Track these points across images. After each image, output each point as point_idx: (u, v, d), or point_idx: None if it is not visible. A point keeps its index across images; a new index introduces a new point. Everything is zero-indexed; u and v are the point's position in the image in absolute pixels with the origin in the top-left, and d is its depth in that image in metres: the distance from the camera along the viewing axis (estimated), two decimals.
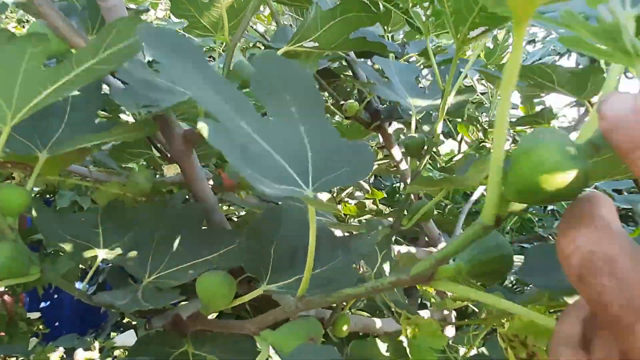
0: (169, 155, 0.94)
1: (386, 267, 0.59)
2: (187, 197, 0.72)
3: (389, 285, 0.35)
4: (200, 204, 0.58)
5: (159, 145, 0.95)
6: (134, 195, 0.72)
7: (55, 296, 2.28)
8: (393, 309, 0.53)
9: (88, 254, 0.55)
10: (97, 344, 1.37)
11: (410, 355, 0.47)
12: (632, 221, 1.55)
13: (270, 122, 0.39)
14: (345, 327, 0.77)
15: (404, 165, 1.24)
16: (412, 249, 0.94)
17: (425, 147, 0.72)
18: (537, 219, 1.72)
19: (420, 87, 0.85)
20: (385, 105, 1.15)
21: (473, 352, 0.57)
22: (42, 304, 2.23)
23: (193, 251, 0.55)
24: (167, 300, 0.46)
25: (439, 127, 0.70)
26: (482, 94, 1.61)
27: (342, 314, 0.77)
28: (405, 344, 0.47)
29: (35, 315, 1.68)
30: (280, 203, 0.55)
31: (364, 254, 0.51)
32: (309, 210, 0.39)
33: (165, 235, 0.56)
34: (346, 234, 0.67)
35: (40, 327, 1.62)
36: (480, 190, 1.35)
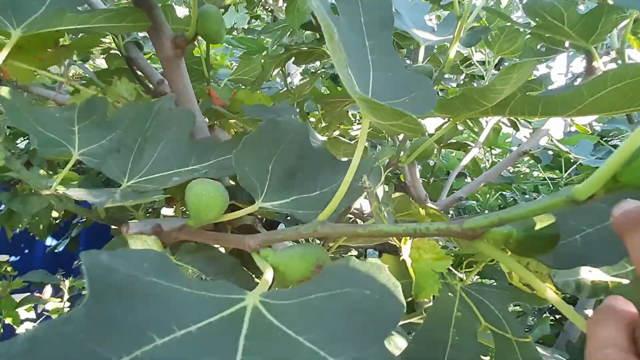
0: (151, 86, 0.87)
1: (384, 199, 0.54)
2: None
3: (435, 232, 0.30)
4: (189, 110, 0.53)
5: (141, 74, 0.89)
6: (114, 104, 0.66)
7: (27, 251, 2.20)
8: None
9: (61, 152, 0.49)
10: (67, 283, 1.31)
11: (413, 277, 0.43)
12: None
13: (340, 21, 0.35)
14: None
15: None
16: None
17: (434, 78, 0.67)
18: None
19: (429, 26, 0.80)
20: None
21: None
22: (13, 259, 2.14)
23: (179, 158, 0.50)
24: (148, 196, 0.41)
25: (452, 52, 0.65)
26: (482, 63, 1.57)
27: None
28: (408, 265, 0.43)
29: (3, 257, 1.60)
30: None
31: (366, 172, 0.46)
32: (362, 126, 0.35)
33: (150, 139, 0.50)
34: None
35: (9, 269, 1.54)
36: (460, 166, 1.33)
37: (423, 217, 0.55)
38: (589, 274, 0.45)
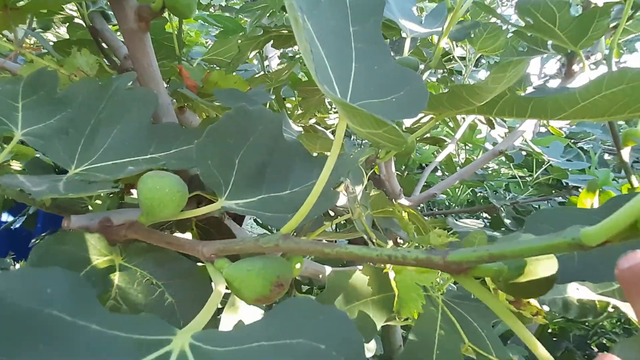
0: (119, 63, 0.80)
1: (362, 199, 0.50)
2: None
3: (413, 262, 0.26)
4: (151, 91, 0.46)
5: (106, 47, 0.81)
6: (70, 77, 0.59)
7: None
8: (374, 240, 0.44)
9: (2, 131, 0.42)
10: (18, 267, 1.22)
11: (395, 290, 0.38)
12: None
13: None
14: (298, 266, 0.69)
15: None
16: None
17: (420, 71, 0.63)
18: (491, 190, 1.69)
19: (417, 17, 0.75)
20: None
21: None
22: None
23: (137, 145, 0.44)
24: (96, 188, 0.35)
25: (442, 42, 0.61)
26: (461, 58, 1.54)
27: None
28: (391, 278, 0.39)
29: None
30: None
31: (344, 175, 0.41)
32: (337, 133, 0.30)
33: (104, 121, 0.44)
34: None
35: None
36: (435, 162, 1.30)
37: (403, 219, 0.51)
38: (576, 292, 0.42)
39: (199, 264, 0.40)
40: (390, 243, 0.43)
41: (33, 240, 1.75)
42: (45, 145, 0.43)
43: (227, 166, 0.38)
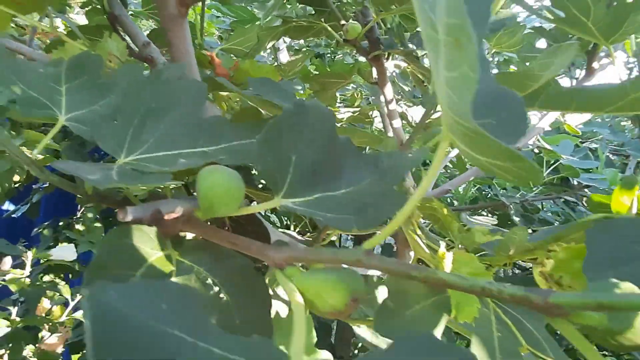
0: (137, 50, 0.78)
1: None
2: None
3: (508, 298, 0.24)
4: (202, 82, 0.44)
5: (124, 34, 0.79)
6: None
7: None
8: (424, 241, 0.43)
9: (45, 115, 0.40)
10: (30, 255, 1.19)
11: (450, 294, 0.37)
12: None
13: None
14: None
15: (393, 106, 1.14)
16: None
17: None
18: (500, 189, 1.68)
19: None
20: (386, 36, 1.03)
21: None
22: None
23: (186, 137, 0.42)
24: (152, 181, 0.33)
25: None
26: None
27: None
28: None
29: None
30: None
31: (403, 174, 0.40)
32: (440, 147, 0.28)
33: (154, 111, 0.42)
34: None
35: None
36: (447, 159, 1.28)
37: (447, 217, 0.50)
38: None
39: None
40: (443, 246, 0.42)
41: (35, 230, 1.73)
42: (90, 131, 0.41)
43: (284, 163, 0.37)
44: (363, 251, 0.28)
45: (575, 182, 1.63)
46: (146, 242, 0.34)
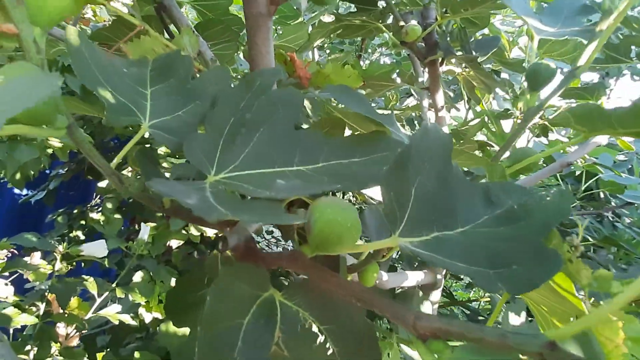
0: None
1: None
2: None
3: None
4: (299, 92, 0.39)
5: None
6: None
7: None
8: None
9: (130, 122, 0.36)
10: (61, 248, 1.15)
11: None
12: None
13: None
14: (375, 275, 0.64)
15: (443, 113, 1.08)
16: None
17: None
18: None
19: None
20: (442, 40, 0.97)
21: None
22: None
23: (281, 153, 0.37)
24: (261, 212, 0.28)
25: (590, 50, 0.52)
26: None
27: (373, 263, 0.63)
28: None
29: None
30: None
31: (551, 226, 0.33)
32: None
33: (246, 122, 0.37)
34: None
35: None
36: None
37: (575, 266, 0.44)
38: None
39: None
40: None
41: (50, 216, 1.71)
42: (175, 141, 0.37)
43: (405, 197, 0.32)
44: (546, 343, 0.22)
45: (602, 195, 1.56)
46: (251, 282, 0.29)
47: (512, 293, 0.27)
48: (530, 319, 0.84)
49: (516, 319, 0.68)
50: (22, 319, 0.94)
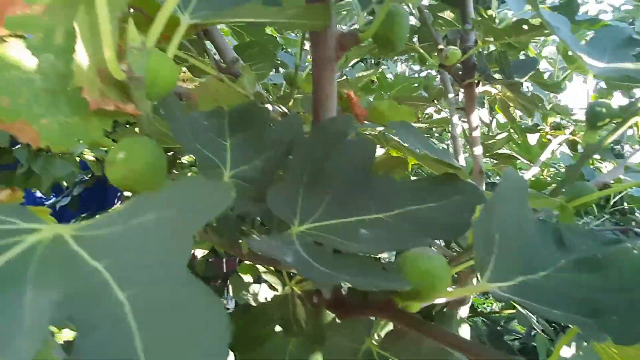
0: (223, 63, 0.74)
1: None
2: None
3: None
4: (371, 141, 0.41)
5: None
6: (232, 100, 0.54)
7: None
8: None
9: (215, 174, 0.37)
10: None
11: None
12: None
13: None
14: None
15: (477, 133, 1.09)
16: None
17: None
18: None
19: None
20: (481, 63, 0.97)
21: None
22: None
23: (358, 201, 0.38)
24: (375, 281, 0.29)
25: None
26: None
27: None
28: None
29: None
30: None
31: None
32: None
33: (323, 171, 0.39)
34: None
35: None
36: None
37: None
38: None
39: None
40: None
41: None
42: (255, 190, 0.38)
43: (489, 243, 0.33)
44: None
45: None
46: (350, 336, 0.30)
47: (620, 344, 0.28)
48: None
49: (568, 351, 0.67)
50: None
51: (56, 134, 0.25)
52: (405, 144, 0.47)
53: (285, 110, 0.77)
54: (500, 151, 1.61)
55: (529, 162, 1.70)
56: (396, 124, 0.48)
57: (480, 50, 1.01)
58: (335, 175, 0.38)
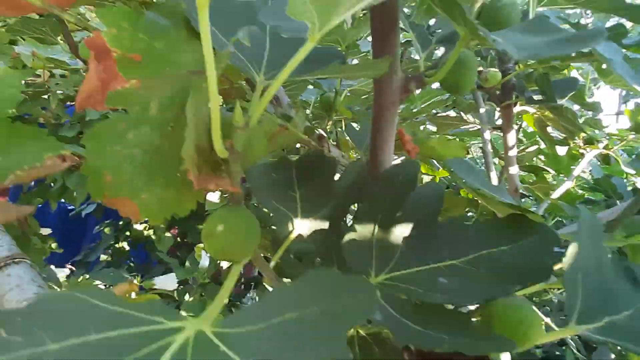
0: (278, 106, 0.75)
1: None
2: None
3: None
4: (441, 185, 0.41)
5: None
6: (288, 141, 0.54)
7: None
8: None
9: (284, 226, 0.38)
10: (136, 282, 1.21)
11: None
12: None
13: None
14: None
15: (513, 153, 1.08)
16: None
17: None
18: None
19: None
20: (521, 85, 0.97)
21: None
22: None
23: (431, 247, 0.38)
24: (479, 345, 0.29)
25: None
26: None
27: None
28: None
29: (46, 230, 1.50)
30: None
31: None
32: None
33: (392, 219, 0.39)
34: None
35: (53, 245, 1.45)
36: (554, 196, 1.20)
37: None
38: None
39: None
40: None
41: (97, 227, 1.86)
42: (322, 248, 0.39)
43: (574, 287, 0.33)
44: None
45: None
46: None
47: None
48: None
49: None
50: None
51: (155, 209, 0.26)
52: (466, 182, 0.47)
53: (322, 132, 0.78)
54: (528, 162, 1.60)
55: (556, 172, 1.68)
56: (453, 162, 0.48)
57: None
58: (407, 224, 0.39)
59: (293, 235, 0.39)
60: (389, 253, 0.38)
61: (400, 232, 0.38)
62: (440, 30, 0.56)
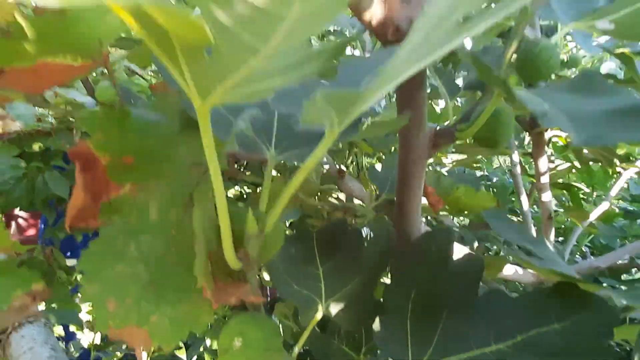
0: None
1: None
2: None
3: None
4: (479, 257, 0.38)
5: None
6: (304, 197, 0.52)
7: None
8: None
9: (310, 311, 0.35)
10: None
11: None
12: None
13: None
14: None
15: (545, 179, 1.04)
16: None
17: None
18: None
19: None
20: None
21: None
22: None
23: (473, 330, 0.35)
24: None
25: None
26: None
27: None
28: None
29: (71, 262, 1.49)
30: None
31: None
32: None
33: (428, 297, 0.36)
34: None
35: (79, 277, 1.44)
36: (590, 219, 1.15)
37: None
38: None
39: None
40: None
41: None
42: (355, 325, 0.35)
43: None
44: None
45: None
46: None
47: None
48: None
49: None
50: None
51: (167, 330, 0.23)
52: (508, 251, 0.44)
53: (343, 168, 0.76)
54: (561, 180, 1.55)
55: (590, 189, 1.61)
56: (490, 215, 0.45)
57: None
58: (444, 300, 0.35)
59: (318, 318, 0.36)
60: (428, 335, 0.34)
61: (438, 310, 0.35)
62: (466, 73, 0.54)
